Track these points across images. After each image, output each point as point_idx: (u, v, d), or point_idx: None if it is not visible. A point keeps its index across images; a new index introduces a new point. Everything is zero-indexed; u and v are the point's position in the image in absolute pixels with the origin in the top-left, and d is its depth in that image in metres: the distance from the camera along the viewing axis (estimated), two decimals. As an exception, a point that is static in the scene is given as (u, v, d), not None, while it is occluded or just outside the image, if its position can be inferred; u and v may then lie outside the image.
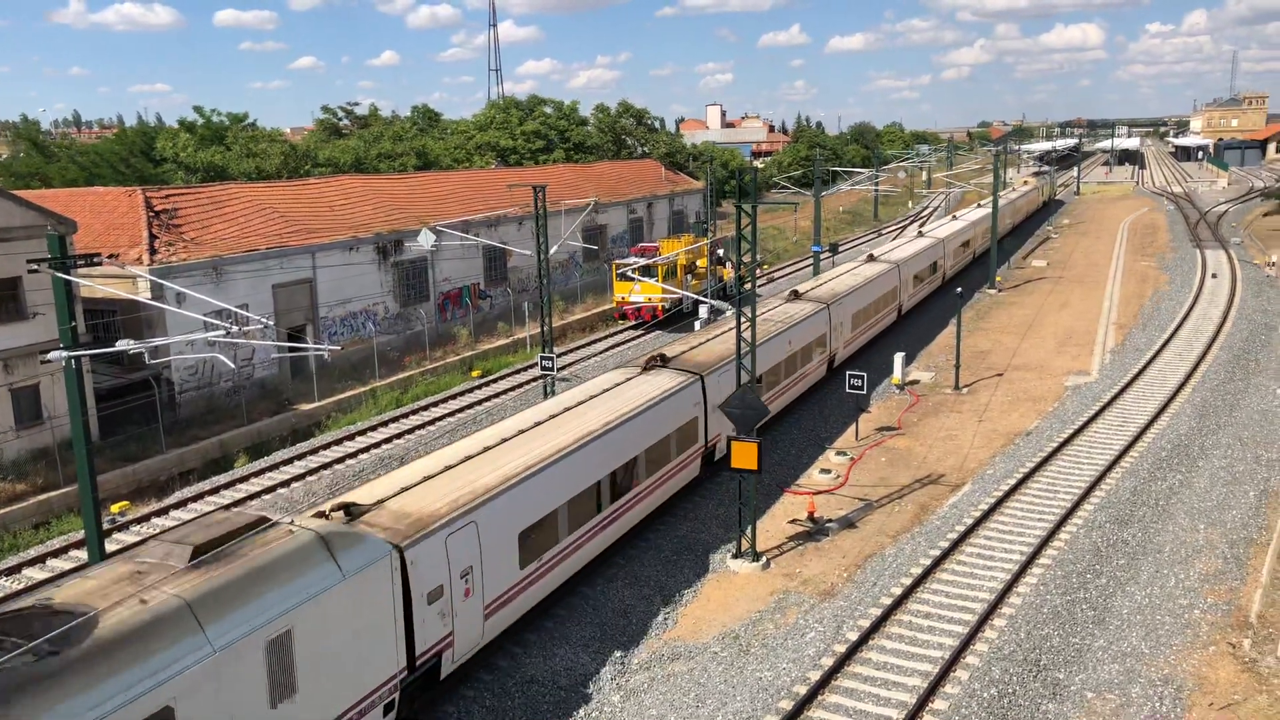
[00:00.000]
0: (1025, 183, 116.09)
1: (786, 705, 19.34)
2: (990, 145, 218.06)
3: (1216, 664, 20.52)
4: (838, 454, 34.13)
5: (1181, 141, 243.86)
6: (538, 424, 24.36)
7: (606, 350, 50.15)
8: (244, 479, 32.95)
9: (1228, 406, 37.54)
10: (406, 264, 51.20)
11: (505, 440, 23.10)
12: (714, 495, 30.32)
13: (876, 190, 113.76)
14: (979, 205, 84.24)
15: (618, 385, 27.95)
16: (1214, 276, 65.35)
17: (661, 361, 30.28)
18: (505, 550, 20.42)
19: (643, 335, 53.21)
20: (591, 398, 26.71)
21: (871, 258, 53.48)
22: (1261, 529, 26.69)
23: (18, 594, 24.36)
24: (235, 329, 23.42)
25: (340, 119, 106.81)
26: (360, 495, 19.56)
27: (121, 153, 79.09)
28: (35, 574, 26.32)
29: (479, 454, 22.08)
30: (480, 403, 41.17)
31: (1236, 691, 19.50)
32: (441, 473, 20.87)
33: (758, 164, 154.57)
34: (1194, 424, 35.51)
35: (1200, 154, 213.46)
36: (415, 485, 20.02)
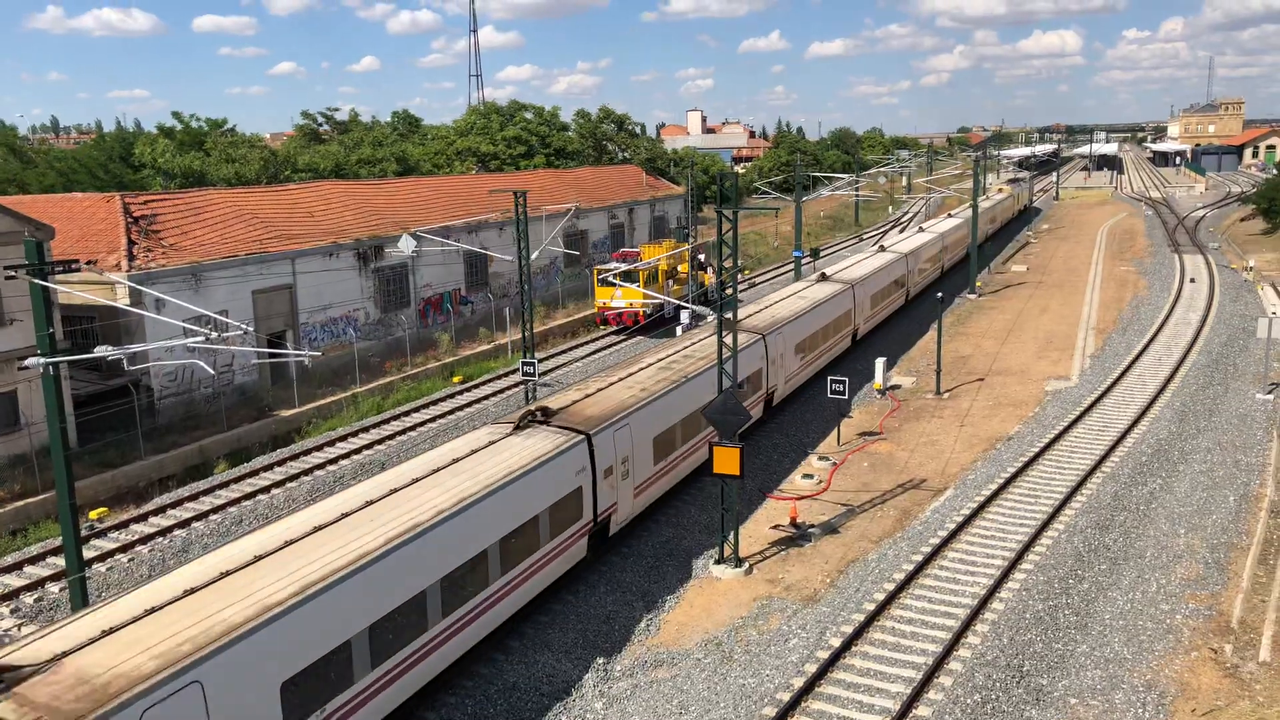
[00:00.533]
0: (1000, 190, 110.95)
1: (770, 712, 19.32)
2: (970, 150, 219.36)
3: (1199, 669, 20.59)
4: (820, 459, 34.16)
5: (1159, 147, 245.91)
6: (345, 515, 18.84)
7: (589, 355, 50.07)
8: (223, 485, 32.76)
9: (1207, 411, 37.76)
10: (387, 270, 51.00)
11: (291, 543, 17.51)
12: (696, 501, 30.29)
13: (857, 195, 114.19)
14: (949, 215, 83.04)
15: (475, 452, 22.61)
16: (1192, 281, 65.79)
17: (542, 417, 25.16)
18: (259, 713, 15.24)
19: (624, 340, 53.17)
20: (435, 471, 21.32)
21: (824, 277, 48.78)
22: (1242, 534, 26.83)
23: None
24: (215, 335, 23.26)
25: (320, 124, 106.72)
26: (41, 647, 14.11)
27: (100, 158, 78.71)
28: (12, 580, 26.05)
29: (240, 569, 16.50)
30: (461, 408, 41.03)
31: (1219, 697, 19.57)
32: (176, 601, 15.43)
33: (738, 169, 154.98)
34: (1174, 428, 35.70)
35: (1178, 159, 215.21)
36: (126, 625, 14.61)
